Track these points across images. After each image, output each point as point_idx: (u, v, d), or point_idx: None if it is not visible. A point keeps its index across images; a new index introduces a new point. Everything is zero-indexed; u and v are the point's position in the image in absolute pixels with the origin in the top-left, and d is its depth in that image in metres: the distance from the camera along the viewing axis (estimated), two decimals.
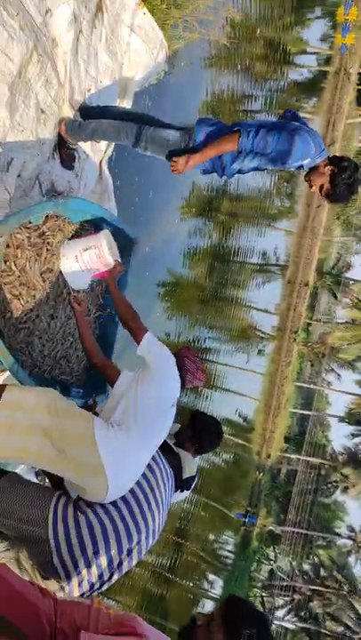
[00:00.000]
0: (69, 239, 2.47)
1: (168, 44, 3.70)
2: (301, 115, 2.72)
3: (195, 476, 2.26)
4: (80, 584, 1.69)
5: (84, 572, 1.68)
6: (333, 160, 2.39)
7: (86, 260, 2.42)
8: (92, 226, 2.67)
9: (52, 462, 1.78)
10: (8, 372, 2.08)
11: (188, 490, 2.25)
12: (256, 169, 2.55)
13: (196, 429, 2.30)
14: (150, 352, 2.06)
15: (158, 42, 3.46)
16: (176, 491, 2.15)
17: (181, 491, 2.22)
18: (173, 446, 2.27)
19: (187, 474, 2.19)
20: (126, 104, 3.34)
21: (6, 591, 1.27)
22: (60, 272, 2.46)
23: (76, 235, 2.55)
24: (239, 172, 2.56)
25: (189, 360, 2.16)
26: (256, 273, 18.79)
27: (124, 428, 1.86)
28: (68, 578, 1.67)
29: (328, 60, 17.59)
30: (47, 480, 2.10)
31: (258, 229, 17.76)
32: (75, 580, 1.68)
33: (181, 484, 2.17)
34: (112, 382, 2.15)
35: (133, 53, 3.20)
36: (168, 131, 2.52)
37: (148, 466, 1.95)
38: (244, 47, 12.20)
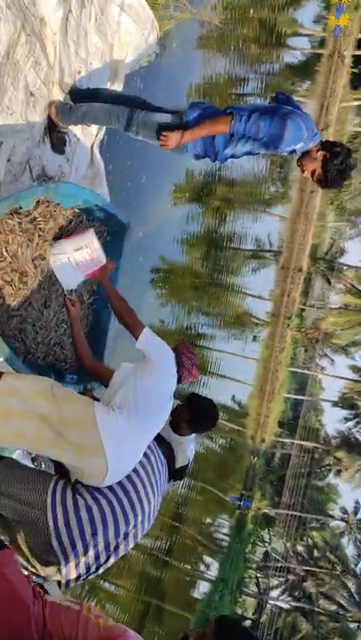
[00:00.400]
0: (55, 239, 2.45)
1: (159, 25, 3.63)
2: (295, 98, 2.69)
3: (187, 466, 2.29)
4: (77, 566, 1.72)
5: (82, 553, 1.72)
6: (326, 145, 2.37)
7: (79, 259, 2.40)
8: (83, 212, 2.65)
9: (49, 446, 1.78)
10: (1, 359, 2.07)
11: (180, 479, 2.29)
12: (249, 153, 2.53)
13: (193, 411, 2.31)
14: (149, 346, 2.08)
15: (149, 22, 3.39)
16: (170, 480, 2.19)
17: (175, 480, 2.25)
18: (169, 430, 2.30)
19: (179, 463, 2.23)
20: (117, 87, 3.29)
21: (6, 593, 1.28)
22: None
23: (67, 223, 2.53)
24: (232, 156, 2.54)
25: (186, 357, 2.17)
26: (250, 259, 18.76)
27: (125, 412, 1.88)
28: (66, 559, 1.70)
29: (322, 43, 17.36)
30: (43, 465, 2.12)
31: (252, 215, 17.69)
32: (72, 562, 1.71)
33: (174, 474, 2.20)
34: (106, 382, 2.16)
35: (124, 34, 3.14)
36: (160, 114, 2.49)
37: (144, 453, 1.98)
38: (236, 28, 12.01)
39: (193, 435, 2.40)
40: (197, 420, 2.31)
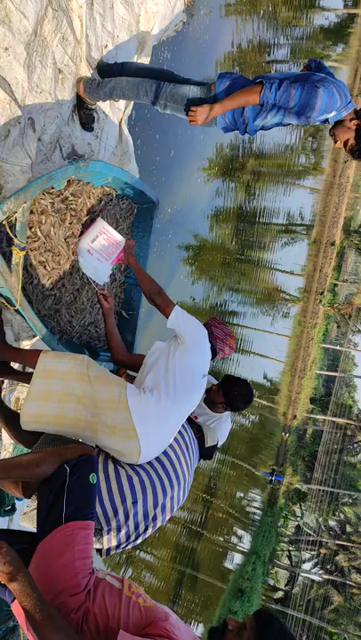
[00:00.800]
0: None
1: None
2: (327, 64, 2.57)
3: (215, 446, 2.32)
4: (118, 533, 1.79)
5: (123, 521, 1.78)
6: (360, 114, 2.27)
7: (99, 248, 2.43)
8: (113, 189, 2.64)
9: (85, 428, 1.84)
10: (37, 337, 2.12)
11: (209, 459, 2.32)
12: (279, 124, 2.44)
13: (227, 393, 2.32)
14: (180, 325, 2.06)
15: None
16: (200, 459, 2.22)
17: (204, 459, 2.29)
18: (204, 407, 2.32)
19: (208, 443, 2.25)
20: (144, 59, 3.22)
21: (65, 564, 1.36)
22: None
23: (97, 202, 2.54)
24: (262, 128, 2.46)
25: (217, 328, 2.19)
26: (281, 234, 18.36)
27: (156, 393, 1.91)
28: (108, 525, 1.77)
29: (356, 2, 16.42)
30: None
31: (283, 188, 17.22)
32: (113, 529, 1.78)
33: (204, 453, 2.23)
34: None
35: (150, 4, 3.05)
36: (188, 87, 2.42)
37: (179, 431, 2.01)
38: None
39: (227, 416, 2.42)
40: (231, 401, 2.32)
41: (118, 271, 2.82)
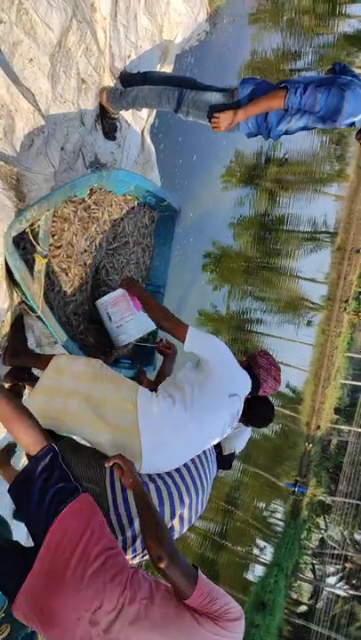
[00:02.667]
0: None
1: (209, 2, 3.53)
2: (353, 69, 2.54)
3: (233, 454, 2.27)
4: (133, 542, 1.76)
5: (138, 530, 1.74)
6: None
7: (119, 317, 2.34)
8: (135, 198, 2.65)
9: (87, 424, 1.80)
10: (58, 344, 2.14)
11: (227, 469, 2.27)
12: (304, 129, 2.42)
13: (247, 411, 2.28)
14: (198, 346, 1.97)
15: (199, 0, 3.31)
16: (218, 469, 2.18)
17: (222, 469, 2.24)
18: None
19: (226, 452, 2.21)
20: (167, 68, 3.25)
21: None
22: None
23: (119, 210, 2.55)
24: (286, 132, 2.44)
25: (262, 358, 2.13)
26: (304, 241, 18.18)
27: (170, 400, 1.85)
28: (123, 535, 1.74)
29: None
30: None
31: (306, 195, 17.07)
32: (129, 539, 1.75)
33: (222, 463, 2.18)
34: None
35: (173, 14, 3.09)
36: (211, 93, 2.42)
37: None
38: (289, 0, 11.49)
39: (247, 428, 2.38)
40: (250, 419, 2.27)
41: (140, 277, 2.83)
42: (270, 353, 2.21)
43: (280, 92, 2.20)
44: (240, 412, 2.04)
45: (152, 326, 2.38)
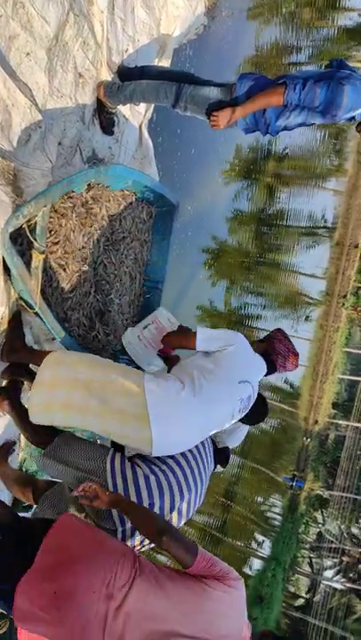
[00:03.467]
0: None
1: None
2: (351, 64, 2.52)
3: (229, 452, 2.26)
4: (133, 535, 1.77)
5: None
6: None
7: (148, 336, 2.42)
8: (133, 193, 2.64)
9: (95, 415, 1.79)
10: (56, 341, 2.13)
11: (224, 465, 2.26)
12: (303, 124, 2.41)
13: None
14: (210, 344, 1.99)
15: None
16: (215, 465, 2.18)
17: (220, 465, 2.24)
18: None
19: (219, 445, 2.21)
20: (165, 62, 3.23)
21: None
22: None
23: (117, 205, 2.54)
24: (284, 128, 2.43)
25: (280, 344, 2.11)
26: (302, 236, 18.15)
27: (178, 383, 1.84)
28: (123, 526, 1.75)
29: None
30: (99, 440, 2.17)
31: (304, 190, 17.02)
32: (127, 529, 1.76)
33: (218, 458, 2.18)
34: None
35: (171, 7, 3.06)
36: (209, 88, 2.41)
37: None
38: None
39: (243, 426, 2.38)
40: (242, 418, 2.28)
41: (138, 272, 2.82)
42: (287, 334, 2.17)
43: (279, 88, 2.18)
44: (253, 397, 2.05)
45: (143, 367, 2.45)
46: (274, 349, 2.10)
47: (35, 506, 2.63)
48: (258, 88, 2.29)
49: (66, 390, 1.81)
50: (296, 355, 2.15)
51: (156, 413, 1.76)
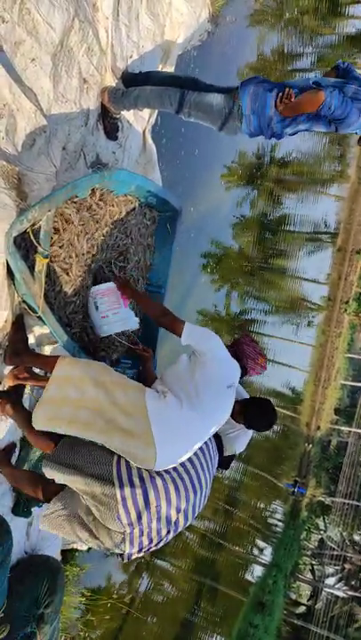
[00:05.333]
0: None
1: (211, 2, 3.53)
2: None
3: (233, 456, 2.28)
4: (141, 536, 1.78)
5: (146, 525, 1.77)
6: None
7: (105, 308, 2.39)
8: (136, 198, 2.65)
9: (98, 432, 1.83)
10: (58, 343, 2.14)
11: (226, 469, 2.29)
12: (306, 130, 2.43)
13: (248, 417, 2.28)
14: (195, 340, 2.06)
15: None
16: (218, 468, 2.19)
17: (221, 469, 2.25)
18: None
19: (227, 452, 2.22)
20: (169, 68, 3.25)
21: None
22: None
23: (120, 210, 2.55)
24: (289, 134, 2.44)
25: (248, 346, 2.16)
26: (305, 242, 18.17)
27: (177, 400, 1.89)
28: (131, 528, 1.75)
29: None
30: None
31: (307, 196, 17.06)
32: (137, 533, 1.76)
33: (222, 462, 2.20)
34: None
35: (175, 13, 3.08)
36: (212, 95, 2.42)
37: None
38: (292, 0, 11.47)
39: (248, 430, 2.38)
40: (251, 425, 2.28)
41: (140, 276, 2.82)
42: (253, 338, 2.26)
43: (317, 97, 2.16)
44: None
45: (134, 325, 2.50)
46: (243, 353, 2.15)
47: (35, 509, 2.63)
48: (260, 91, 2.31)
49: (72, 409, 1.86)
50: (264, 356, 2.21)
51: (160, 433, 1.81)
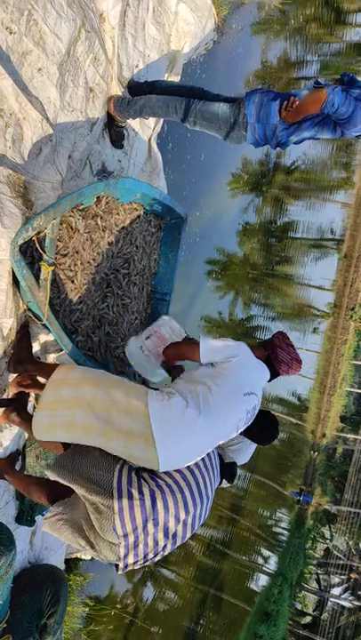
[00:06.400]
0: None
1: (217, 11, 3.55)
2: (359, 79, 2.53)
3: (235, 465, 2.23)
4: (136, 547, 1.75)
5: (142, 537, 1.74)
6: None
7: (150, 346, 2.39)
8: (141, 205, 2.66)
9: (98, 434, 1.79)
10: (63, 351, 2.13)
11: (231, 481, 2.24)
12: (311, 138, 2.42)
13: (251, 428, 2.26)
14: (215, 355, 1.97)
15: (207, 9, 3.33)
16: (221, 481, 2.15)
17: (226, 481, 2.21)
18: None
19: (226, 460, 2.19)
20: (175, 77, 3.26)
21: None
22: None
23: (125, 218, 2.56)
24: (294, 142, 2.44)
25: (283, 351, 2.07)
26: (310, 248, 18.15)
27: (181, 400, 1.83)
28: (126, 540, 1.73)
29: None
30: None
31: (312, 203, 17.08)
32: (132, 544, 1.74)
33: (224, 473, 2.16)
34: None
35: (181, 23, 3.10)
36: (218, 104, 2.43)
37: None
38: (297, 9, 11.54)
39: (252, 443, 2.35)
40: (252, 437, 2.26)
41: (145, 283, 2.82)
42: (289, 338, 2.12)
43: (319, 96, 2.13)
44: (257, 407, 2.02)
45: (152, 379, 2.47)
46: (277, 357, 2.06)
47: (39, 518, 2.62)
48: (266, 101, 2.31)
49: (68, 410, 1.81)
50: (300, 362, 2.11)
51: (160, 433, 1.76)
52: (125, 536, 1.73)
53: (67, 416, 1.82)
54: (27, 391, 2.20)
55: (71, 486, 1.84)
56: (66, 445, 1.96)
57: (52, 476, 1.88)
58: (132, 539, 1.73)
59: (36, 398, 2.43)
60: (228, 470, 2.17)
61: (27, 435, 2.44)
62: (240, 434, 2.19)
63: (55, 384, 1.89)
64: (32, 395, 2.37)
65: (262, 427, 2.23)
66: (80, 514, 1.86)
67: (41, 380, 2.20)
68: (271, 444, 2.40)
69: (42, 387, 2.16)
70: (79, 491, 1.81)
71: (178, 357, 2.22)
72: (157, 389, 1.95)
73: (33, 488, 2.14)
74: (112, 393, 1.83)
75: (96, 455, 1.88)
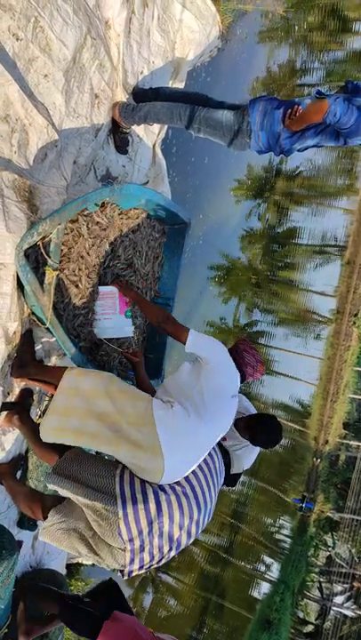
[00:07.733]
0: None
1: (221, 19, 3.58)
2: None
3: (240, 474, 2.26)
4: (141, 552, 1.75)
5: (147, 542, 1.74)
6: None
7: (100, 310, 2.41)
8: (145, 211, 2.67)
9: (105, 443, 1.82)
10: (66, 356, 2.14)
11: (232, 486, 2.26)
12: (315, 146, 2.43)
13: (253, 433, 2.26)
14: (199, 347, 2.05)
15: (211, 17, 3.36)
16: (223, 485, 2.16)
17: (227, 486, 2.23)
18: (233, 430, 2.28)
19: (234, 470, 2.20)
20: (179, 84, 3.29)
21: None
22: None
23: (130, 223, 2.57)
24: (298, 150, 2.45)
25: (248, 353, 2.14)
26: (313, 255, 18.16)
27: (183, 410, 1.87)
28: (131, 544, 1.73)
29: None
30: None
31: (315, 209, 17.10)
32: (137, 549, 1.73)
33: (228, 480, 2.18)
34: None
35: (186, 31, 3.13)
36: (222, 111, 2.45)
37: (209, 453, 1.96)
38: (301, 17, 11.62)
39: (256, 447, 2.36)
40: (255, 441, 2.26)
41: (149, 289, 2.83)
42: (251, 344, 2.22)
43: (321, 106, 2.15)
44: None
45: (128, 334, 2.49)
46: (244, 361, 2.13)
47: (40, 522, 2.61)
48: (269, 109, 2.32)
49: (80, 419, 1.85)
50: (263, 363, 2.19)
51: (168, 444, 1.79)
52: (131, 540, 1.73)
53: (77, 423, 1.85)
54: (31, 384, 2.20)
55: (70, 495, 1.84)
56: (60, 455, 1.96)
57: (51, 486, 1.87)
58: (137, 542, 1.74)
59: (38, 402, 2.44)
60: (233, 477, 2.19)
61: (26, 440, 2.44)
62: (244, 438, 2.20)
63: (66, 392, 1.91)
64: (35, 399, 2.37)
65: (266, 429, 2.23)
66: (79, 521, 1.86)
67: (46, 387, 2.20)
68: (274, 448, 2.41)
69: (45, 383, 2.16)
70: (79, 498, 1.80)
71: (169, 331, 2.18)
72: (158, 398, 1.98)
73: (22, 498, 2.12)
74: (121, 404, 1.86)
75: (96, 461, 1.89)
